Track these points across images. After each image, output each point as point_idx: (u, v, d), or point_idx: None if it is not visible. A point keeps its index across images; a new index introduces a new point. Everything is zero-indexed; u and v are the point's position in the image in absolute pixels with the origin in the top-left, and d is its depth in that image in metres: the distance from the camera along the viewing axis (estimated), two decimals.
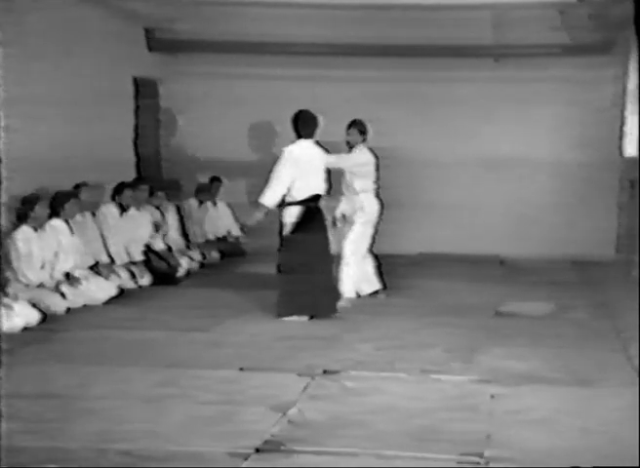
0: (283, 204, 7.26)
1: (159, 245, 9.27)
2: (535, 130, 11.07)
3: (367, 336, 6.63)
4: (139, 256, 8.95)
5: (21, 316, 6.64)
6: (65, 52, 8.68)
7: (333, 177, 7.68)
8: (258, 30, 10.81)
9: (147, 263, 8.97)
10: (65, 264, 7.65)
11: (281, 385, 5.27)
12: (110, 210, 8.74)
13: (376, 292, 8.29)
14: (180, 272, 9.32)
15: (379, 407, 4.88)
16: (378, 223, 8.23)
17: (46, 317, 6.94)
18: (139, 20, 10.58)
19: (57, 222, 7.67)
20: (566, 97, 11.01)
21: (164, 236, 9.49)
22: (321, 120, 7.42)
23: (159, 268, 9.03)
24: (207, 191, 10.88)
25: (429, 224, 11.10)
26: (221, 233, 11.03)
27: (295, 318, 7.16)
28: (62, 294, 7.41)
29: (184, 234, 10.26)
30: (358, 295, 8.13)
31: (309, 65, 11.05)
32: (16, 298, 6.78)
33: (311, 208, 7.27)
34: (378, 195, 8.24)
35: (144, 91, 10.84)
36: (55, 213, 7.67)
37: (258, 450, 4.15)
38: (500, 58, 10.94)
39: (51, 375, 5.44)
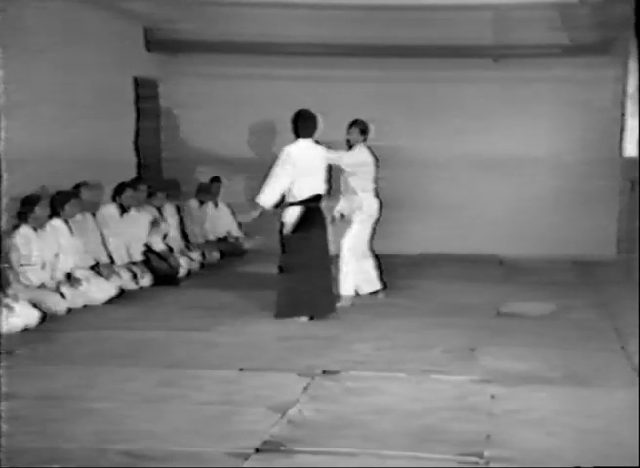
0: (282, 204, 7.26)
1: (159, 245, 9.27)
2: (535, 130, 11.06)
3: (367, 336, 6.63)
4: (139, 257, 8.95)
5: (22, 316, 6.64)
6: (65, 52, 8.68)
7: (332, 177, 7.69)
8: (258, 30, 10.81)
9: (148, 264, 8.97)
10: (66, 265, 7.66)
11: (281, 385, 5.27)
12: (111, 210, 8.74)
13: (375, 292, 8.30)
14: (181, 272, 9.32)
15: (378, 407, 4.89)
16: (377, 223, 8.23)
17: (46, 317, 6.95)
18: (139, 20, 10.58)
19: (57, 223, 7.67)
20: (566, 97, 11.00)
21: (164, 236, 9.49)
22: (320, 120, 7.42)
23: (160, 268, 9.03)
24: (207, 191, 10.88)
25: (429, 224, 11.10)
26: (221, 233, 11.04)
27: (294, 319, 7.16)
28: (63, 295, 7.42)
29: (184, 234, 10.27)
30: (357, 294, 8.13)
31: (309, 65, 11.05)
32: (16, 299, 6.78)
33: (312, 208, 7.27)
34: (377, 195, 8.24)
35: (144, 91, 10.83)
36: (55, 213, 7.67)
37: (257, 451, 4.16)
38: (500, 58, 10.93)
39: (51, 375, 5.44)
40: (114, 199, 8.84)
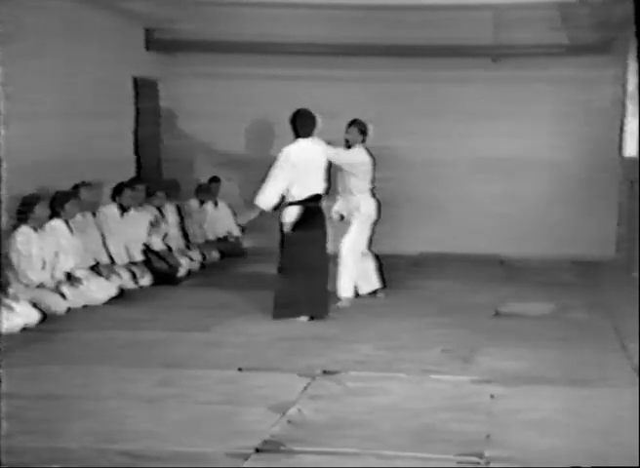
0: (281, 205, 7.25)
1: (159, 245, 9.27)
2: (535, 130, 11.06)
3: (367, 336, 6.63)
4: (139, 257, 8.95)
5: (22, 316, 6.65)
6: (65, 52, 8.69)
7: (331, 177, 7.68)
8: (257, 30, 10.82)
9: (148, 263, 8.98)
10: (66, 264, 7.66)
11: (281, 385, 5.27)
12: (111, 210, 8.74)
13: (375, 292, 8.29)
14: (181, 272, 9.32)
15: (378, 407, 4.89)
16: (375, 223, 8.22)
17: (46, 317, 6.95)
18: (139, 20, 10.58)
19: (57, 223, 7.67)
20: (566, 97, 11.00)
21: (164, 236, 9.49)
22: (320, 120, 7.41)
23: (159, 268, 9.03)
24: (207, 191, 10.88)
25: (429, 224, 11.10)
26: (221, 233, 11.03)
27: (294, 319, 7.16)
28: (63, 295, 7.42)
29: (184, 234, 10.26)
30: (357, 294, 8.13)
31: (309, 65, 11.05)
32: (16, 298, 6.78)
33: (311, 208, 7.26)
34: (374, 195, 8.22)
35: (144, 91, 10.83)
36: (55, 213, 7.67)
37: (258, 450, 4.16)
38: (500, 58, 10.94)
39: (51, 375, 5.45)
40: (113, 199, 8.84)
